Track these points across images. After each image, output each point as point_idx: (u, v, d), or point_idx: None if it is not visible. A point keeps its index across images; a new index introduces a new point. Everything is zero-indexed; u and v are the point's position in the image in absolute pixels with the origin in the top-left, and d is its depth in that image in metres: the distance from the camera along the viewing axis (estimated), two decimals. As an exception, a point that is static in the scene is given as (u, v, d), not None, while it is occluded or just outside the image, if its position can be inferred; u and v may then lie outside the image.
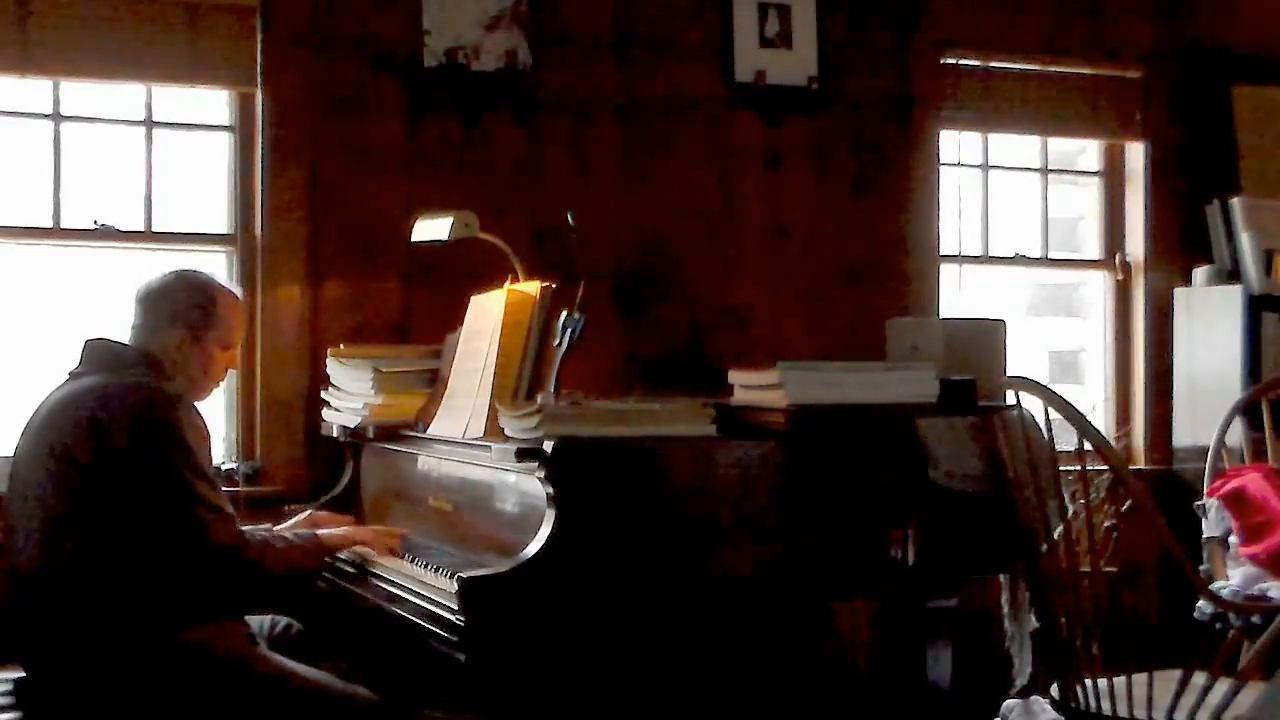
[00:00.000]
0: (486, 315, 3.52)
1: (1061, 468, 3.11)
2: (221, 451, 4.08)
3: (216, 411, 4.04)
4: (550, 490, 2.85)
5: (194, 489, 3.01)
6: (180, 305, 3.25)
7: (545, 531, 2.84)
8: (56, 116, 4.02)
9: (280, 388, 4.09)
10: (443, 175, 4.21)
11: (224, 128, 4.19)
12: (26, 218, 4.00)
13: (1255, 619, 3.31)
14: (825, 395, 3.08)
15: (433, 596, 2.95)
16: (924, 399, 3.17)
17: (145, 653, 2.96)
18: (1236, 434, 3.99)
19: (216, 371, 3.33)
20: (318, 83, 4.11)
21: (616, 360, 4.27)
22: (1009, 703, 4.26)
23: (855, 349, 4.36)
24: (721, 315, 4.49)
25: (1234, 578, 3.72)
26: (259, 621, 3.32)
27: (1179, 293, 5.04)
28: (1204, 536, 3.89)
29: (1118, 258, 5.18)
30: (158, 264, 3.51)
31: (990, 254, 5.06)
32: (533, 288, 3.45)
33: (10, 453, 3.20)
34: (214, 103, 4.19)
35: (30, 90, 4.01)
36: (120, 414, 3.02)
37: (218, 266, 4.12)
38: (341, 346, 3.92)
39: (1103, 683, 3.05)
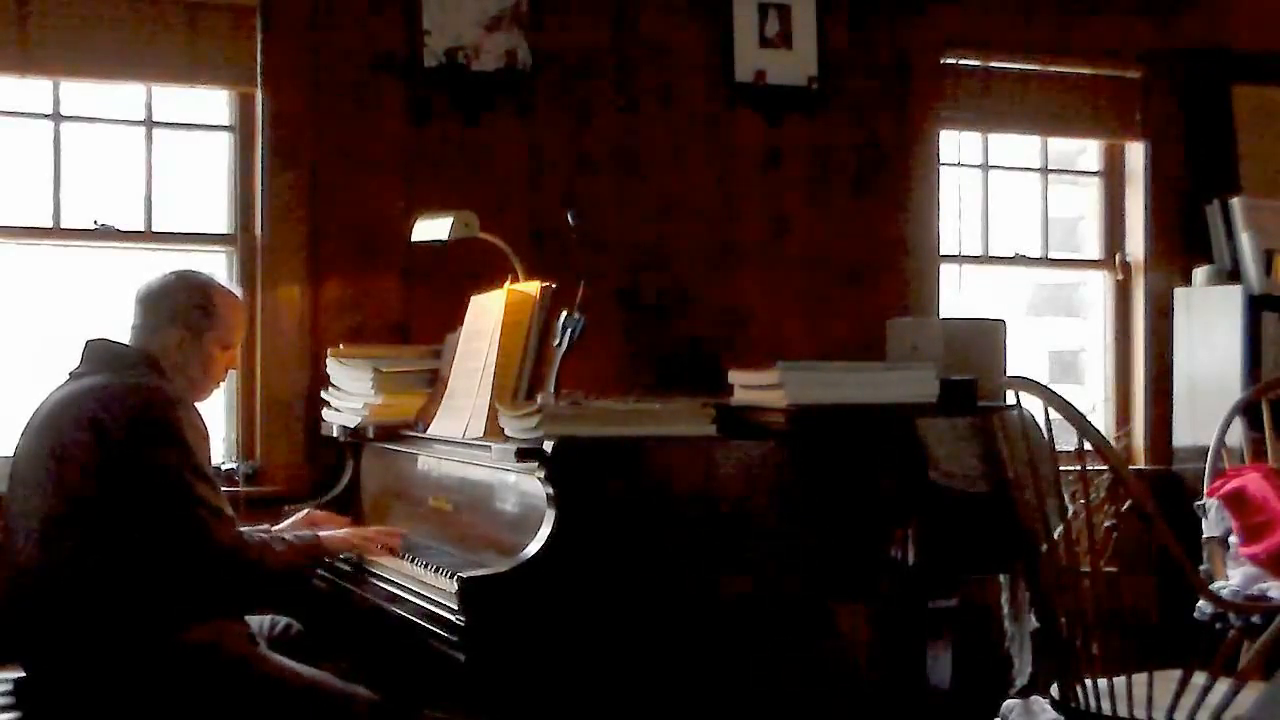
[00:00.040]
0: (486, 315, 3.52)
1: (1061, 468, 3.11)
2: (221, 451, 4.08)
3: (216, 411, 4.04)
4: (550, 490, 2.85)
5: (194, 490, 3.01)
6: (180, 305, 3.24)
7: (545, 531, 2.84)
8: (56, 116, 4.02)
9: (280, 388, 4.09)
10: (443, 175, 4.21)
11: (224, 128, 4.19)
12: (26, 218, 4.00)
13: (1255, 619, 3.31)
14: (825, 395, 3.08)
15: (433, 596, 2.96)
16: (924, 399, 3.18)
17: (145, 653, 2.95)
18: (1236, 434, 3.99)
19: (216, 371, 3.32)
20: (318, 83, 4.11)
21: (616, 360, 4.27)
22: (1009, 703, 4.26)
23: (855, 349, 4.36)
24: (721, 315, 4.49)
25: (1234, 578, 3.72)
26: (259, 621, 3.32)
27: (1179, 293, 5.03)
28: (1204, 536, 3.89)
29: (1118, 258, 5.18)
30: (158, 264, 3.51)
31: (990, 254, 5.06)
32: (533, 288, 3.45)
33: (10, 453, 3.20)
34: (214, 103, 4.19)
35: (30, 90, 4.01)
36: (120, 414, 3.02)
37: (218, 267, 4.12)
38: (341, 346, 3.92)
39: (1103, 683, 3.05)
